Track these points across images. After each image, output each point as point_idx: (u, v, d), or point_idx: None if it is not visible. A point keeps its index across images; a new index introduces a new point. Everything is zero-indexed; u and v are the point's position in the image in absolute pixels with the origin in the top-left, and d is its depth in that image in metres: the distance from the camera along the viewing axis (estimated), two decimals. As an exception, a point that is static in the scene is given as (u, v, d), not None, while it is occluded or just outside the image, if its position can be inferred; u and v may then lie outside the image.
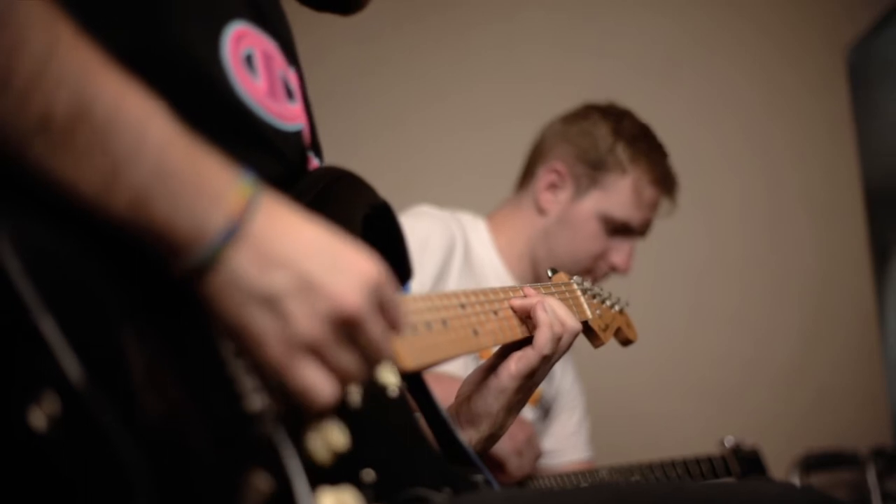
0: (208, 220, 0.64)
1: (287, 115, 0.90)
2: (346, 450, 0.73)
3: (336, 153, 1.07)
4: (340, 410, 0.75)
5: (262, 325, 0.65)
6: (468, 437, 1.02)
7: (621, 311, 1.32)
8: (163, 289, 0.66)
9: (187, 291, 0.66)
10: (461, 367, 1.71)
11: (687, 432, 2.59)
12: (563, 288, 1.18)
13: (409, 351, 0.83)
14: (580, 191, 1.88)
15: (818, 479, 2.49)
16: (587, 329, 1.21)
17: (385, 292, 0.70)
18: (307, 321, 0.66)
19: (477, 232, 1.92)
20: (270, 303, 0.65)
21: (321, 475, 0.70)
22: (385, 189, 0.96)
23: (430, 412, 0.94)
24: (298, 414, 0.70)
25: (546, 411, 1.98)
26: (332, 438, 0.72)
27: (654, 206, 1.91)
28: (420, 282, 1.70)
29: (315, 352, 0.67)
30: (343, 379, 0.68)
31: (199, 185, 0.65)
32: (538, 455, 1.78)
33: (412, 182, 2.62)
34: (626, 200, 1.86)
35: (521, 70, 2.87)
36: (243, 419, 0.66)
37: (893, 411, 2.49)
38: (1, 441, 0.57)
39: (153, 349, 0.63)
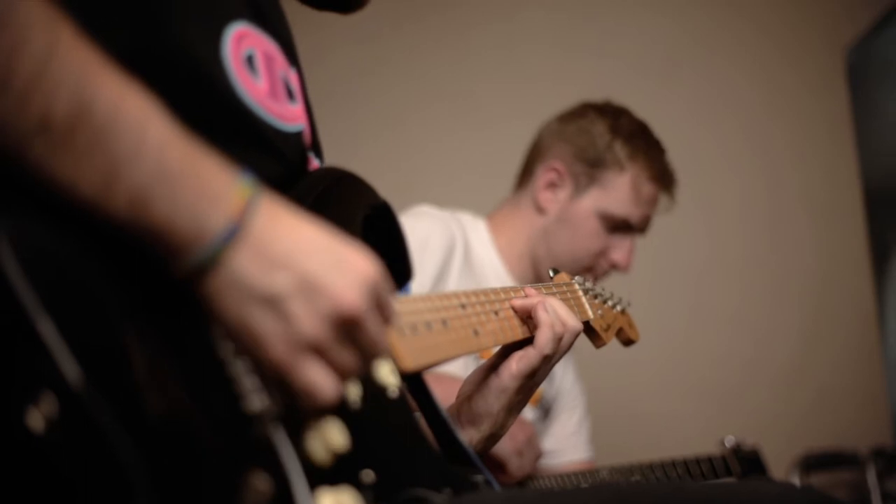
0: (208, 221, 0.64)
1: (288, 116, 0.90)
2: (346, 450, 0.73)
3: (336, 153, 1.07)
4: (340, 411, 0.75)
5: (263, 325, 0.65)
6: (469, 436, 1.02)
7: (623, 312, 1.32)
8: (162, 289, 0.66)
9: (187, 292, 0.66)
10: (461, 368, 1.71)
11: (687, 432, 2.59)
12: (565, 288, 1.18)
13: (409, 351, 0.83)
14: (579, 189, 1.88)
15: (818, 479, 2.49)
16: (589, 329, 1.21)
17: (381, 289, 0.70)
18: (309, 321, 0.66)
19: (477, 232, 1.92)
20: (272, 303, 0.65)
21: (320, 476, 0.70)
22: (385, 189, 0.96)
23: (430, 412, 0.94)
24: (298, 414, 0.70)
25: (546, 411, 1.98)
26: (331, 439, 0.72)
27: (653, 203, 1.91)
28: (420, 282, 1.70)
29: (316, 351, 0.67)
30: (343, 376, 0.69)
31: (198, 186, 0.65)
32: (539, 455, 1.78)
33: (412, 182, 2.62)
34: (625, 197, 1.87)
35: (521, 70, 2.87)
36: (243, 420, 0.66)
37: (893, 411, 2.49)
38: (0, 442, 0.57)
39: (153, 349, 0.63)
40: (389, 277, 0.73)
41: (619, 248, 1.89)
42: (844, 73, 2.71)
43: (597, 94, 2.01)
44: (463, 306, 0.95)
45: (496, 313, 1.00)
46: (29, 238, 0.60)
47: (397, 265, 0.93)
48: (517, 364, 1.02)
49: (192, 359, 0.66)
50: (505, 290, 1.05)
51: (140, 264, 0.65)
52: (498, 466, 1.66)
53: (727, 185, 2.94)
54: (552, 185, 1.91)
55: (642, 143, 1.90)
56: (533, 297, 1.06)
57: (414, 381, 0.93)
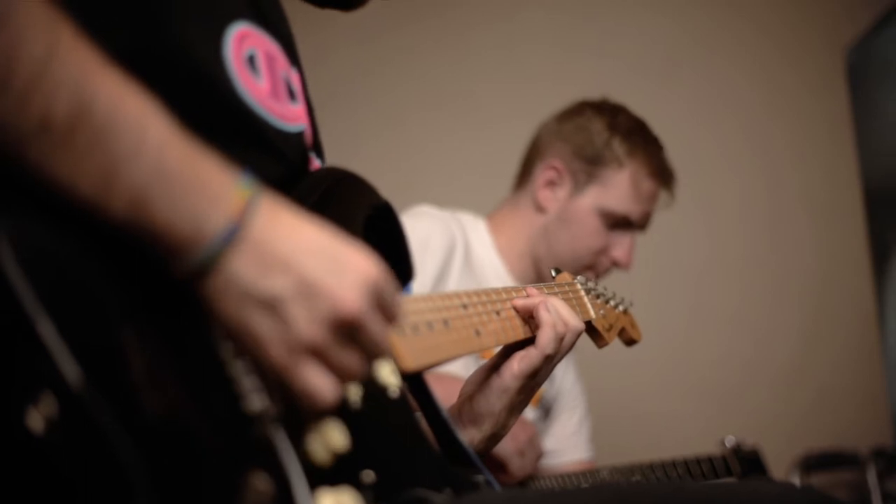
0: (207, 222, 0.64)
1: (289, 116, 0.90)
2: (346, 451, 0.73)
3: (337, 153, 1.07)
4: (340, 411, 0.75)
5: (262, 328, 0.65)
6: (470, 436, 1.02)
7: (625, 312, 1.32)
8: (162, 289, 0.66)
9: (187, 292, 0.66)
10: (462, 368, 1.71)
11: (687, 432, 2.59)
12: (567, 288, 1.18)
13: (410, 351, 0.83)
14: (578, 187, 1.88)
15: (818, 480, 2.49)
16: (591, 329, 1.21)
17: (383, 289, 0.70)
18: (308, 324, 0.66)
19: (477, 232, 1.92)
20: (271, 306, 0.65)
21: (320, 476, 0.70)
22: (386, 189, 0.96)
23: (430, 412, 0.93)
24: (298, 415, 0.70)
25: (547, 411, 1.98)
26: (331, 439, 0.72)
27: (652, 199, 1.91)
28: (421, 282, 1.70)
29: (316, 353, 0.66)
30: (344, 378, 0.68)
31: (198, 187, 0.65)
32: (540, 455, 1.78)
33: (413, 182, 2.62)
34: (625, 194, 1.87)
35: (521, 70, 2.87)
36: (243, 420, 0.66)
37: (893, 411, 2.49)
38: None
39: (152, 350, 0.62)
40: (393, 278, 0.73)
41: (620, 246, 1.89)
42: (844, 73, 2.71)
43: (597, 94, 2.01)
44: (464, 306, 0.95)
45: (498, 313, 1.00)
46: (29, 238, 0.60)
47: (399, 265, 0.93)
48: (519, 364, 1.02)
49: (192, 359, 0.66)
50: (507, 289, 1.05)
51: (140, 264, 0.65)
52: (499, 466, 1.66)
53: (727, 185, 2.94)
54: (551, 184, 1.91)
55: (640, 139, 1.90)
56: (535, 297, 1.06)
57: (415, 381, 0.93)
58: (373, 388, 0.82)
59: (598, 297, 1.25)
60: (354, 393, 0.79)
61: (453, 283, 1.78)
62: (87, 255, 0.63)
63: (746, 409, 2.78)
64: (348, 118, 2.64)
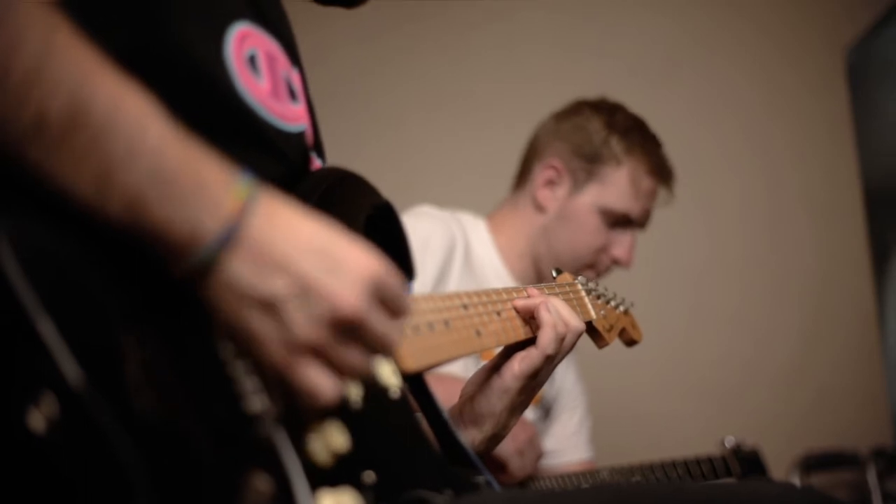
0: (205, 223, 0.64)
1: (290, 116, 0.90)
2: (347, 451, 0.73)
3: (337, 153, 1.07)
4: (341, 412, 0.75)
5: (261, 328, 0.65)
6: (471, 437, 1.02)
7: (626, 312, 1.32)
8: (162, 290, 0.66)
9: (187, 292, 0.66)
10: (462, 369, 1.71)
11: (687, 432, 2.59)
12: (568, 288, 1.18)
13: (410, 352, 0.83)
14: (577, 185, 1.89)
15: (818, 480, 2.49)
16: (591, 329, 1.21)
17: (386, 285, 0.70)
18: (306, 325, 0.65)
19: (477, 232, 1.92)
20: (269, 307, 0.65)
21: (321, 477, 0.69)
22: (386, 189, 0.96)
23: (431, 413, 0.93)
24: (299, 415, 0.70)
25: (547, 411, 1.98)
26: (332, 440, 0.72)
27: (652, 196, 1.91)
28: (421, 282, 1.70)
29: (316, 352, 0.66)
30: (347, 375, 0.68)
31: (196, 187, 0.65)
32: (540, 455, 1.78)
33: (413, 182, 2.62)
34: (624, 192, 1.87)
35: (521, 70, 2.87)
36: (243, 420, 0.66)
37: (893, 411, 2.49)
38: (0, 443, 0.57)
39: (153, 350, 0.62)
40: (398, 272, 0.72)
41: (620, 244, 1.89)
42: (844, 73, 2.71)
43: (597, 94, 2.01)
44: (465, 307, 0.95)
45: (498, 314, 1.00)
46: (29, 238, 0.60)
47: (400, 265, 0.93)
48: (519, 364, 1.02)
49: (192, 359, 0.66)
50: (507, 290, 1.05)
51: (140, 265, 0.65)
52: (499, 467, 1.66)
53: (727, 185, 2.94)
54: (550, 183, 1.91)
55: (638, 137, 1.90)
56: (535, 298, 1.05)
57: (415, 381, 0.92)
58: (373, 389, 0.82)
59: (598, 297, 1.25)
60: (355, 393, 0.78)
61: (453, 283, 1.78)
62: (88, 256, 0.63)
63: (746, 409, 2.78)
64: (348, 118, 2.64)
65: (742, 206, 2.95)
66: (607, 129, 1.89)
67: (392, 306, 0.70)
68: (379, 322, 0.69)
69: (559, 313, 1.04)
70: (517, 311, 1.04)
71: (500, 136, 2.52)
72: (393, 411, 0.84)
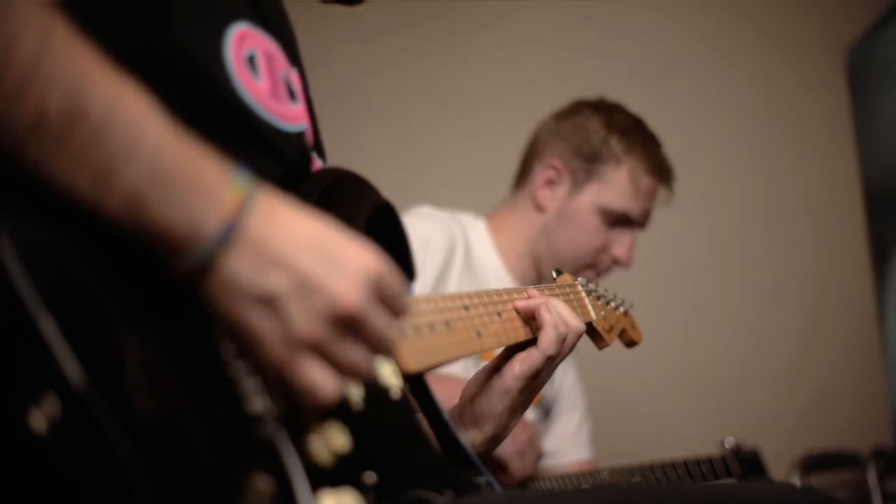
0: (204, 221, 0.64)
1: (289, 116, 0.90)
2: (348, 452, 0.73)
3: (337, 153, 1.07)
4: (342, 412, 0.75)
5: (261, 325, 0.65)
6: (472, 438, 1.02)
7: (626, 313, 1.32)
8: (163, 289, 0.66)
9: (187, 292, 0.66)
10: (462, 370, 1.71)
11: (687, 433, 2.59)
12: (568, 289, 1.18)
13: (411, 352, 0.83)
14: (577, 185, 1.89)
15: (819, 480, 2.50)
16: (591, 330, 1.21)
17: (386, 283, 0.70)
18: (306, 321, 0.65)
19: (477, 232, 1.92)
20: (269, 303, 0.65)
21: (322, 477, 0.69)
22: (387, 189, 0.96)
23: (431, 414, 0.93)
24: (299, 416, 0.70)
25: (547, 412, 1.98)
26: (333, 440, 0.72)
27: (651, 195, 1.91)
28: (421, 282, 1.69)
29: (316, 350, 0.66)
30: (346, 373, 0.68)
31: (194, 185, 0.65)
32: (540, 456, 1.78)
33: (413, 182, 2.62)
34: (624, 191, 1.87)
35: (521, 70, 2.87)
36: (244, 421, 0.66)
37: (893, 411, 2.49)
38: (1, 443, 0.57)
39: (153, 350, 0.62)
40: (399, 271, 0.72)
41: (620, 244, 1.89)
42: (844, 73, 2.71)
43: (597, 94, 2.01)
44: (466, 308, 0.95)
45: (499, 314, 1.00)
46: (30, 237, 0.60)
47: (401, 266, 0.93)
48: (520, 365, 1.02)
49: (193, 359, 0.66)
50: (508, 291, 1.05)
51: (141, 264, 0.65)
52: (499, 467, 1.66)
53: (727, 185, 2.94)
54: (550, 183, 1.91)
55: (638, 136, 1.91)
56: (536, 299, 1.06)
57: (416, 382, 0.92)
58: (374, 390, 0.82)
59: (598, 298, 1.25)
60: (356, 394, 0.78)
61: (454, 284, 1.78)
62: (88, 255, 0.63)
63: (746, 409, 2.78)
64: (349, 118, 2.64)
65: (742, 206, 2.95)
66: (607, 129, 1.89)
67: (391, 305, 0.70)
68: (378, 320, 0.69)
69: (560, 314, 1.04)
70: (518, 311, 1.04)
71: (500, 136, 2.52)
72: (394, 412, 0.84)
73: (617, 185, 1.87)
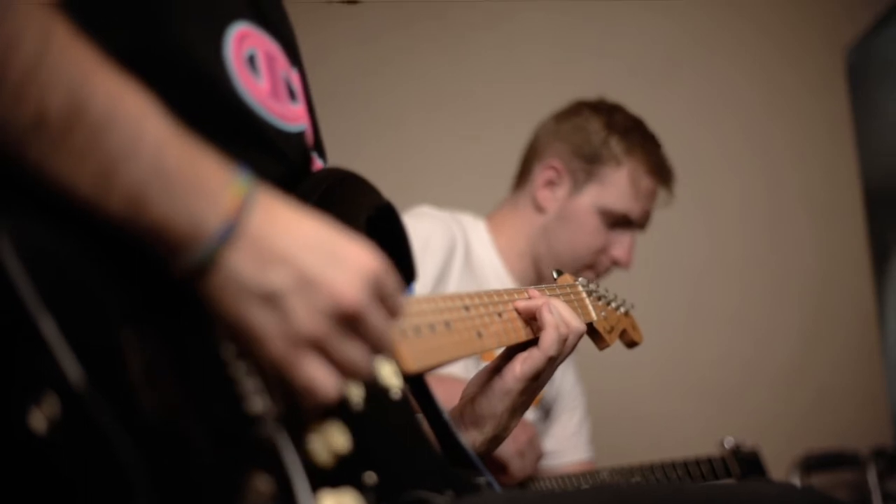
0: (205, 220, 0.64)
1: (289, 116, 0.90)
2: (348, 452, 0.73)
3: (338, 154, 1.07)
4: (342, 412, 0.75)
5: (262, 322, 0.65)
6: (472, 438, 1.02)
7: (626, 313, 1.32)
8: (163, 289, 0.66)
9: (188, 292, 0.66)
10: (462, 370, 1.71)
11: (687, 433, 2.59)
12: (569, 290, 1.18)
13: (411, 353, 0.83)
14: (577, 186, 1.89)
15: (819, 480, 2.50)
16: (592, 331, 1.21)
17: (384, 283, 0.70)
18: (308, 317, 0.66)
19: (477, 232, 1.93)
20: (271, 300, 0.65)
21: (322, 477, 0.69)
22: (386, 189, 0.96)
23: (432, 414, 0.93)
24: (300, 416, 0.70)
25: (547, 412, 1.98)
26: (333, 440, 0.72)
27: (651, 197, 1.91)
28: (421, 283, 1.69)
29: (317, 347, 0.66)
30: (346, 372, 0.68)
31: (195, 184, 0.65)
32: (540, 456, 1.78)
33: (413, 182, 2.62)
34: (624, 192, 1.87)
35: (521, 70, 2.87)
36: (244, 421, 0.66)
37: (893, 411, 2.49)
38: (1, 443, 0.57)
39: (153, 350, 0.62)
40: (396, 272, 0.73)
41: (620, 245, 1.89)
42: (844, 73, 2.71)
43: (597, 95, 2.01)
44: (466, 308, 0.95)
45: (500, 315, 1.00)
46: (30, 238, 0.60)
47: (401, 266, 0.93)
48: (521, 366, 1.02)
49: (193, 359, 0.66)
50: (508, 291, 1.05)
51: (141, 264, 0.65)
52: (499, 467, 1.66)
53: (727, 185, 2.94)
54: (550, 184, 1.91)
55: (638, 137, 1.91)
56: (537, 299, 1.05)
57: (416, 382, 0.92)
58: (374, 390, 0.82)
59: (599, 298, 1.25)
60: (356, 394, 0.78)
61: (453, 284, 1.78)
62: (88, 255, 0.63)
63: (746, 409, 2.78)
64: (349, 118, 2.64)
65: (742, 206, 2.95)
66: (607, 130, 1.89)
67: (389, 305, 0.71)
68: (377, 318, 0.69)
69: (561, 315, 1.04)
70: (519, 312, 1.04)
71: (499, 136, 2.52)
72: (394, 412, 0.84)
73: (617, 186, 1.87)
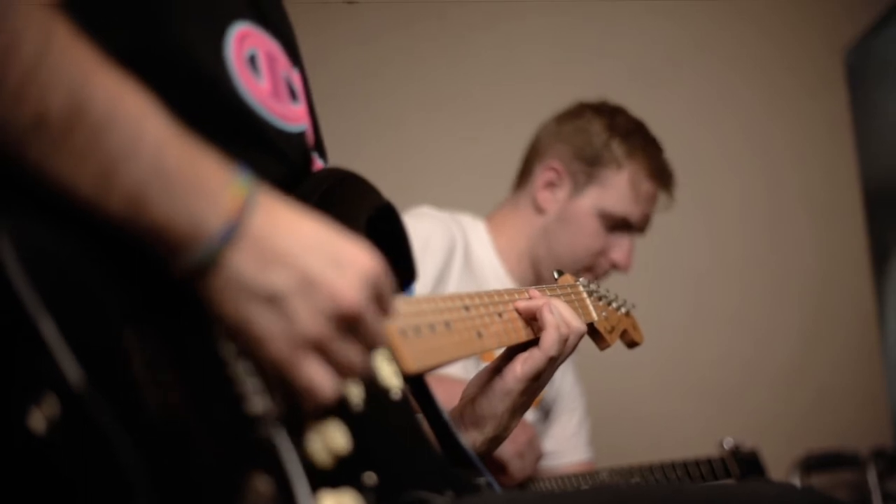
0: (206, 220, 0.64)
1: (290, 116, 0.90)
2: (348, 452, 0.73)
3: (338, 154, 1.07)
4: (342, 413, 0.75)
5: (264, 323, 0.65)
6: (472, 438, 1.02)
7: (627, 314, 1.32)
8: (163, 290, 0.66)
9: (188, 292, 0.66)
10: (461, 370, 1.71)
11: (687, 433, 2.59)
12: (569, 290, 1.18)
13: (411, 353, 0.83)
14: (578, 188, 1.88)
15: (819, 480, 2.50)
16: (593, 331, 1.20)
17: (382, 284, 0.70)
18: (310, 318, 0.66)
19: (477, 233, 1.92)
20: (272, 301, 0.65)
21: (322, 478, 0.69)
22: (386, 189, 0.96)
23: (432, 414, 0.93)
24: (300, 416, 0.70)
25: (546, 413, 1.98)
26: (333, 441, 0.72)
27: (651, 200, 1.91)
28: (421, 283, 1.69)
29: (317, 348, 0.67)
30: (344, 372, 0.68)
31: (196, 185, 0.65)
32: (539, 457, 1.78)
33: (413, 183, 2.62)
34: (624, 195, 1.87)
35: (521, 71, 2.87)
36: (244, 421, 0.66)
37: (893, 411, 2.49)
38: (1, 443, 0.57)
39: (153, 350, 0.62)
40: (393, 276, 0.73)
41: (619, 248, 1.89)
42: (844, 74, 2.71)
43: (597, 96, 2.01)
44: (466, 308, 0.94)
45: (500, 315, 1.00)
46: (30, 238, 0.60)
47: (401, 266, 0.93)
48: (522, 366, 1.02)
49: (193, 360, 0.66)
50: (509, 291, 1.05)
51: (141, 265, 0.65)
52: (499, 468, 1.66)
53: (727, 185, 2.94)
54: (551, 185, 1.91)
55: (639, 140, 1.90)
56: (538, 299, 1.05)
57: (416, 383, 0.92)
58: (374, 390, 0.82)
59: (599, 299, 1.25)
60: (356, 395, 0.78)
61: (453, 284, 1.78)
62: (88, 256, 0.63)
63: (746, 409, 2.78)
64: (349, 119, 2.64)
65: (742, 206, 2.95)
66: (608, 132, 1.89)
67: (382, 304, 0.71)
68: (374, 319, 0.70)
69: (562, 315, 1.04)
70: (519, 312, 1.04)
71: (499, 136, 2.52)
72: (394, 412, 0.84)
73: (617, 188, 1.87)
